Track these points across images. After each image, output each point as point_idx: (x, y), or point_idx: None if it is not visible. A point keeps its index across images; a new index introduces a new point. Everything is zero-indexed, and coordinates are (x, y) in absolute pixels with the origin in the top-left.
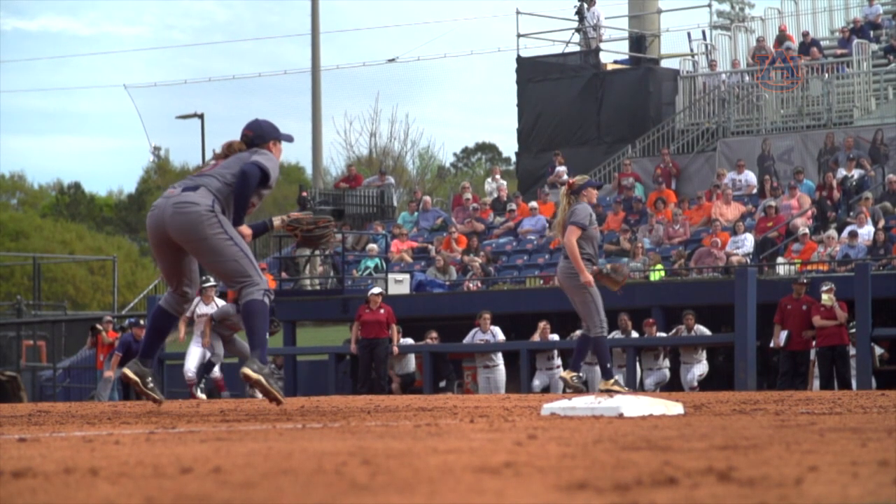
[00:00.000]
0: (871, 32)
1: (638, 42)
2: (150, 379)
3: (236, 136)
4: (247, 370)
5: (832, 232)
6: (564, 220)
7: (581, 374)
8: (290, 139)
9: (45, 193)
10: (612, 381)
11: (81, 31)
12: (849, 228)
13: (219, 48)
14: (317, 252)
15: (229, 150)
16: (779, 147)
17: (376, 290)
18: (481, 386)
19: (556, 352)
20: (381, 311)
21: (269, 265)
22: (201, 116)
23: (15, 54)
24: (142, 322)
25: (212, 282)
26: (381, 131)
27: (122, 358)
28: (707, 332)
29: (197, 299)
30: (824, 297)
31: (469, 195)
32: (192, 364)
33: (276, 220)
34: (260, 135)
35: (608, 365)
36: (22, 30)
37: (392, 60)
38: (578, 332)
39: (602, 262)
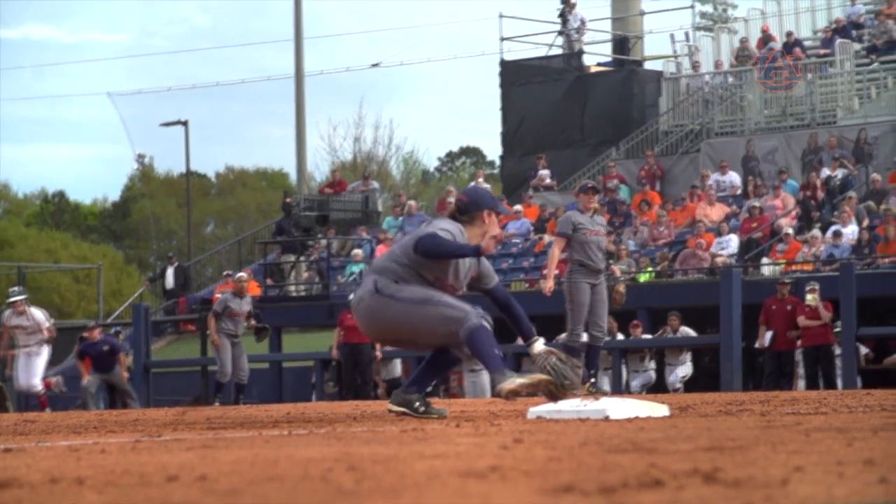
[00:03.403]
0: (854, 32)
1: (621, 44)
2: (417, 404)
3: (220, 143)
4: (503, 387)
5: (816, 232)
6: None
7: (594, 380)
8: (505, 212)
9: (30, 202)
10: (507, 383)
11: (64, 39)
12: (833, 228)
13: (202, 55)
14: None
15: (447, 212)
16: (763, 147)
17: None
18: (467, 390)
19: None
20: None
21: (254, 271)
22: (185, 123)
23: None
24: (90, 323)
25: (17, 297)
26: (365, 136)
27: (92, 362)
28: (692, 333)
29: (9, 311)
30: (809, 297)
31: (453, 199)
32: (32, 376)
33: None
34: (475, 202)
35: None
36: (3, 38)
37: (375, 65)
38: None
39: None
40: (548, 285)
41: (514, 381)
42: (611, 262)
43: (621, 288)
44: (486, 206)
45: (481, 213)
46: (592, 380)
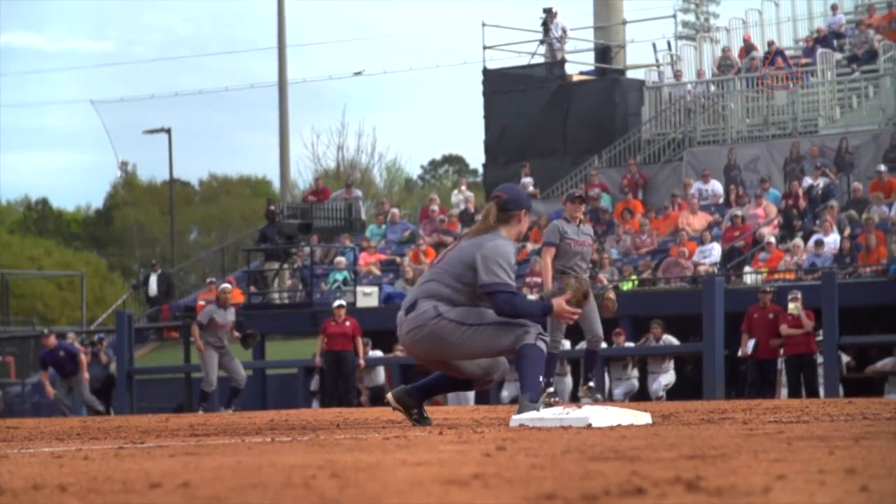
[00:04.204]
0: (835, 42)
1: (603, 53)
2: (415, 411)
3: (203, 151)
4: (520, 418)
5: (798, 241)
6: None
7: (592, 384)
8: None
9: (13, 209)
10: (525, 414)
11: (46, 47)
12: (815, 237)
13: (184, 63)
14: (285, 268)
15: (486, 217)
16: (745, 156)
17: (339, 302)
18: (450, 397)
19: None
20: (347, 323)
21: (237, 279)
22: (168, 131)
23: None
24: (44, 330)
25: None
26: (348, 144)
27: (55, 369)
28: (675, 341)
29: None
30: (791, 305)
31: (436, 207)
32: None
33: (557, 302)
34: (515, 200)
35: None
36: None
37: (358, 73)
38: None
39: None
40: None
41: (528, 416)
42: (596, 270)
43: (611, 294)
44: (524, 206)
45: (519, 213)
46: (590, 384)
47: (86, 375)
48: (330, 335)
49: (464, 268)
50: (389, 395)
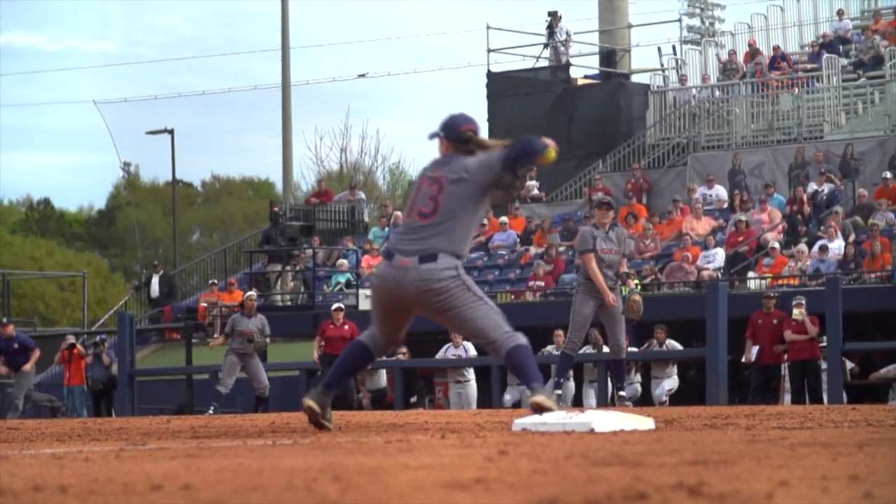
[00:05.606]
0: (841, 47)
1: (608, 57)
2: (328, 412)
3: (206, 152)
4: (537, 399)
5: (803, 246)
6: None
7: (623, 393)
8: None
9: (15, 209)
10: (541, 396)
11: (47, 47)
12: (819, 243)
13: (187, 63)
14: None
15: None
16: (749, 161)
17: (338, 305)
18: (452, 401)
19: None
20: (346, 326)
21: (239, 280)
22: (171, 132)
23: None
24: (3, 319)
25: None
26: (351, 146)
27: (4, 359)
28: (678, 346)
29: None
30: (795, 311)
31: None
32: None
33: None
34: (451, 127)
35: (553, 378)
36: None
37: (362, 76)
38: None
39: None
40: (610, 297)
41: (546, 398)
42: (628, 275)
43: (637, 297)
44: (461, 126)
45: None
46: (621, 393)
47: (28, 367)
48: (328, 338)
49: (467, 199)
50: (308, 401)
